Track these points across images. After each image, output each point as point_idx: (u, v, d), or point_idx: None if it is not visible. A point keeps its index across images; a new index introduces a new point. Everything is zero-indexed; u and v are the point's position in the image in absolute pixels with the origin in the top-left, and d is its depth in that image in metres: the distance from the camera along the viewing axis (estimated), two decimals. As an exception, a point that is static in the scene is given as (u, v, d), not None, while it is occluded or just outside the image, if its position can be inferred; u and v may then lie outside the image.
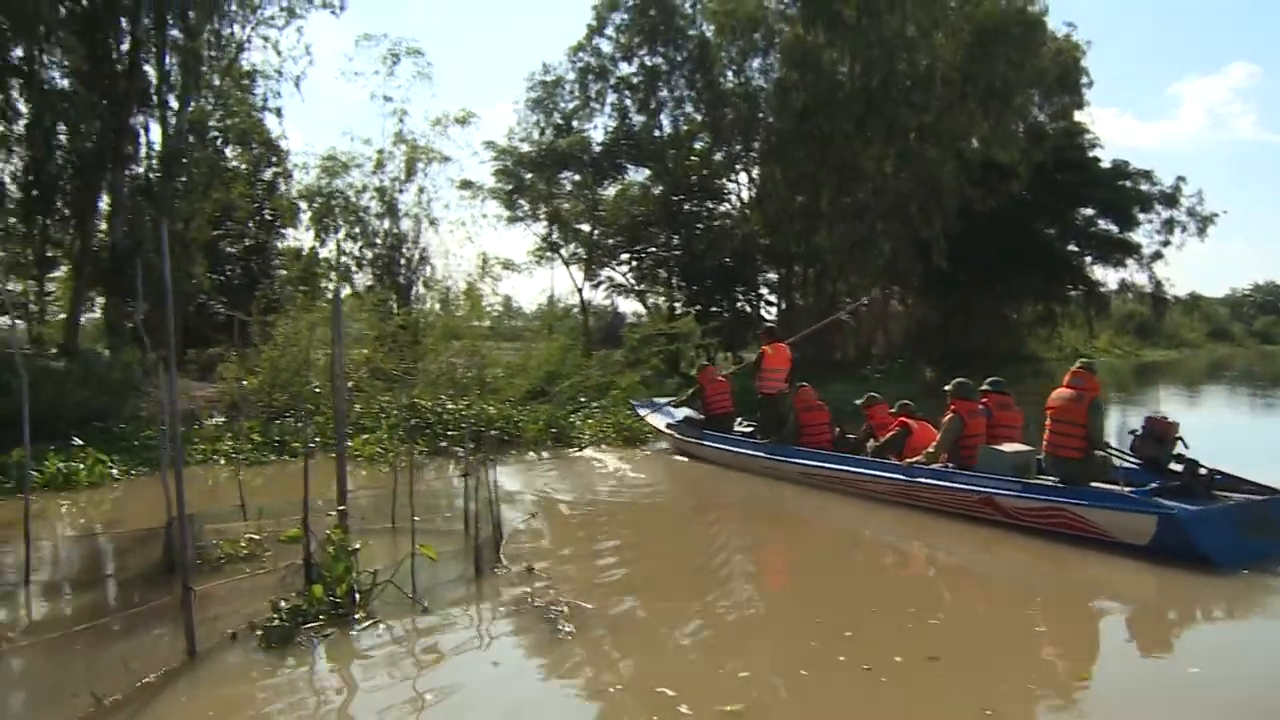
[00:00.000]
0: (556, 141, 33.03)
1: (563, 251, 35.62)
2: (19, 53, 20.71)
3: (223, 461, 13.55)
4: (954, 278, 36.79)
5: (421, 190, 31.26)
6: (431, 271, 32.00)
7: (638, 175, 36.17)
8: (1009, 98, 29.77)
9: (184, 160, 23.67)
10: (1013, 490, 9.34)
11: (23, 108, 21.53)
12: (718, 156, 35.68)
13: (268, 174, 34.04)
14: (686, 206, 34.94)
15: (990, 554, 8.93)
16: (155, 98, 22.65)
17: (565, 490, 12.39)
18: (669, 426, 15.59)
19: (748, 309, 36.38)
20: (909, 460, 10.82)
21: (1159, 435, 9.51)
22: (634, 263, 36.39)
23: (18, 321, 23.25)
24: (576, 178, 34.23)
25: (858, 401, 12.89)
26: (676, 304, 35.05)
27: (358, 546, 6.61)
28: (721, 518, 11.36)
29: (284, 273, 33.23)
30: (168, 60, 22.22)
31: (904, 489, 10.57)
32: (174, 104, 23.12)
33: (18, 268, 25.86)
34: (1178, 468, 9.23)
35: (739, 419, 15.32)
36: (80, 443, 12.56)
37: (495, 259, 37.54)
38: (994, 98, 29.23)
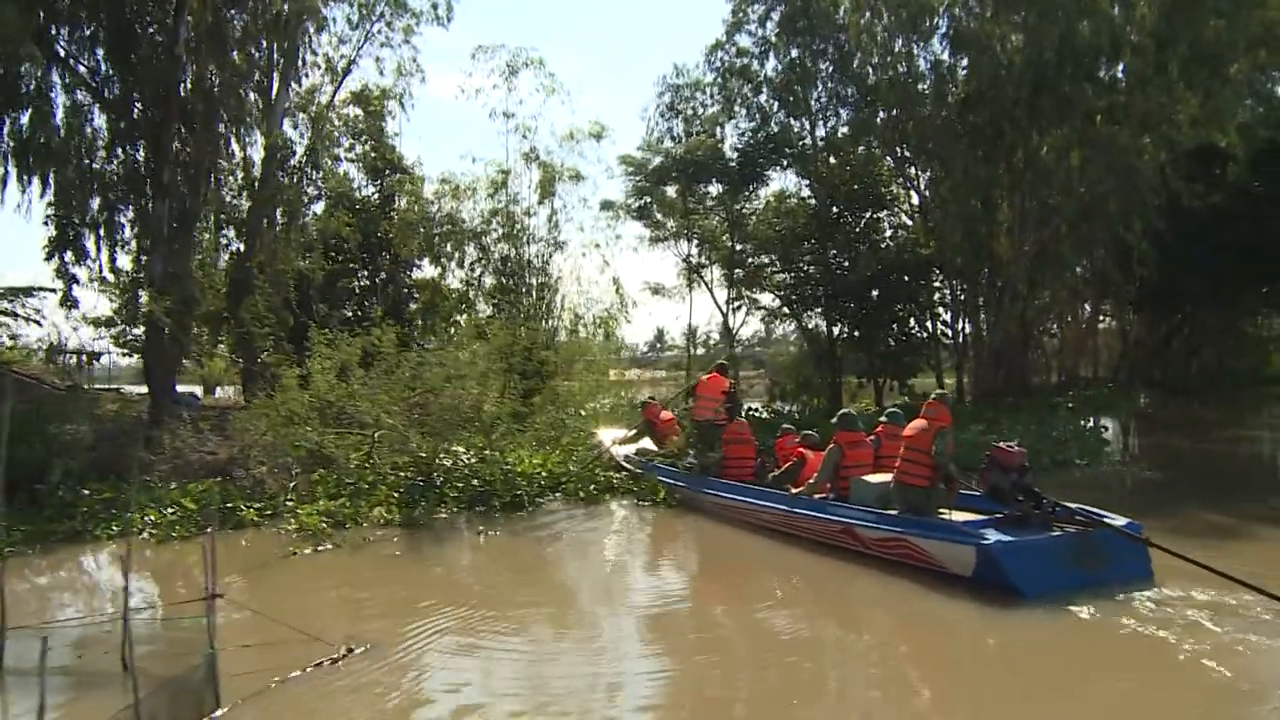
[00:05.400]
0: (687, 147, 29.60)
1: (706, 274, 32.22)
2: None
3: (145, 535, 11.15)
4: (1175, 288, 31.08)
5: (554, 213, 28.67)
6: (561, 300, 29.38)
7: (783, 184, 32.49)
8: (1222, 64, 23.79)
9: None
10: (867, 520, 9.68)
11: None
12: (887, 161, 31.49)
13: (402, 203, 32.39)
14: (846, 218, 30.86)
15: None
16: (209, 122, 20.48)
17: (473, 583, 10.01)
18: (625, 459, 15.50)
19: (922, 333, 31.87)
20: (795, 491, 11.17)
21: (1003, 464, 9.49)
22: (787, 282, 32.47)
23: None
24: (714, 190, 30.74)
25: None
26: (835, 328, 31.03)
27: None
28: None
29: (413, 306, 31.48)
30: (209, 82, 19.96)
31: (786, 519, 10.97)
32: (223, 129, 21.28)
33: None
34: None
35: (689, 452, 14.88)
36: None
37: (645, 284, 34.83)
38: (1201, 65, 23.43)
